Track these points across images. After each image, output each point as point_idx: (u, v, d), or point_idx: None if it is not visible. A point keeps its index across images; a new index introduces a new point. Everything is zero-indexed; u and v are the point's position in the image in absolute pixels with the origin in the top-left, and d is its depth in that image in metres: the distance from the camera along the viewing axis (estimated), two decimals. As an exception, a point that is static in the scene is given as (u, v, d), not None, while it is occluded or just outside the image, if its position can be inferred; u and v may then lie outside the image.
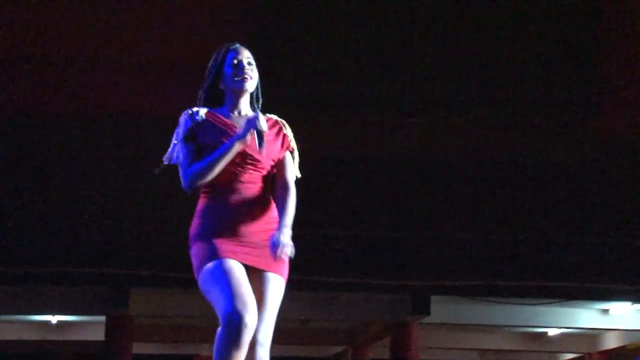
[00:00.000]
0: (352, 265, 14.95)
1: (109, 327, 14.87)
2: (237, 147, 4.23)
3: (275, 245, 4.15)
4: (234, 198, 4.27)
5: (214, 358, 4.10)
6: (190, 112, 4.35)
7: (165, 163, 4.42)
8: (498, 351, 19.09)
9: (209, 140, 4.31)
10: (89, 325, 16.40)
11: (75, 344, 17.47)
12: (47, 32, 17.58)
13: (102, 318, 15.01)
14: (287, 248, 4.15)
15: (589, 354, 17.98)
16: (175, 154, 4.38)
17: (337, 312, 15.51)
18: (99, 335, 15.41)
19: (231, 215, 4.25)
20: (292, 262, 4.44)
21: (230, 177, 4.28)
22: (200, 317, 15.01)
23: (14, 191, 16.20)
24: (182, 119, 4.36)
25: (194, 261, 4.27)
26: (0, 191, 16.07)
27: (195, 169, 4.24)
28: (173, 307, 14.95)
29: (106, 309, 14.77)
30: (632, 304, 15.37)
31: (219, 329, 4.05)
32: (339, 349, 18.97)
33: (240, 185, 4.29)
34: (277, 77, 15.56)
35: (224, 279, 4.12)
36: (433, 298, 14.89)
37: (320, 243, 14.86)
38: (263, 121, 4.26)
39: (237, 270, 4.16)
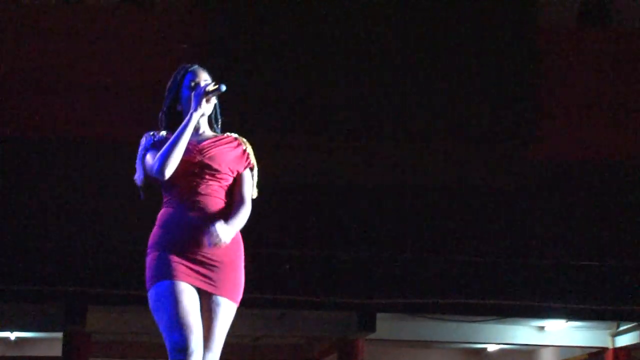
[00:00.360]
0: (301, 284, 14.97)
1: (66, 344, 14.78)
2: (196, 118, 4.17)
3: (210, 233, 4.07)
4: (193, 211, 4.16)
5: None
6: (151, 133, 4.31)
7: (139, 184, 4.33)
8: (440, 366, 19.18)
9: None
10: (46, 342, 16.31)
11: (34, 359, 17.31)
12: (20, 57, 17.47)
13: (59, 335, 14.99)
14: (217, 238, 4.07)
15: (526, 368, 18.11)
16: (141, 171, 4.29)
17: (287, 329, 15.55)
18: (56, 351, 15.33)
19: (189, 229, 4.15)
20: (244, 280, 4.38)
21: (190, 188, 4.19)
22: (154, 335, 14.88)
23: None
24: (143, 139, 4.31)
25: (147, 272, 4.18)
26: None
27: (163, 150, 4.12)
28: (128, 324, 14.92)
29: (63, 326, 14.68)
30: (566, 322, 15.55)
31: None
32: (288, 364, 18.96)
33: (199, 197, 4.19)
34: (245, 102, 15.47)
35: (172, 305, 4.04)
36: (378, 315, 14.99)
37: (270, 262, 14.84)
38: (208, 84, 4.24)
39: (186, 296, 4.07)
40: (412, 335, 15.92)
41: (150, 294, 4.14)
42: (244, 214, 4.24)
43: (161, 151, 4.13)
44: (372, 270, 15.40)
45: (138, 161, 4.28)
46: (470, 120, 17.74)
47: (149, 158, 4.20)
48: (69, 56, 17.35)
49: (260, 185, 4.50)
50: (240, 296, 4.25)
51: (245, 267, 4.43)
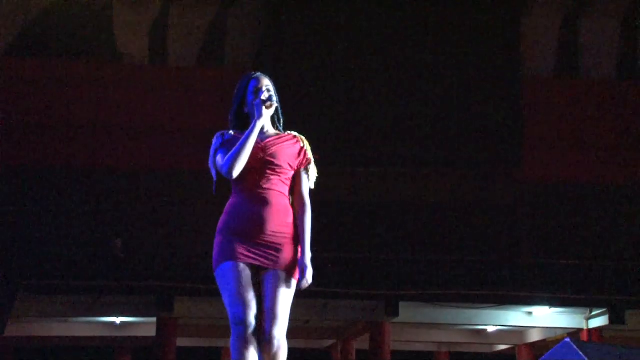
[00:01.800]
0: (340, 279, 15.09)
1: (159, 326, 15.11)
2: (259, 125, 3.81)
3: (301, 271, 3.79)
4: (255, 202, 3.82)
5: (230, 352, 3.88)
6: (220, 133, 3.93)
7: (214, 180, 3.92)
8: (450, 344, 19.10)
9: None
10: (143, 325, 16.41)
11: (133, 339, 17.46)
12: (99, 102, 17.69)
13: (154, 319, 15.25)
14: (309, 274, 3.79)
15: (518, 345, 17.99)
16: (213, 170, 3.89)
17: (329, 315, 15.66)
18: (151, 332, 15.48)
19: (250, 218, 3.81)
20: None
21: (254, 181, 3.84)
22: (227, 319, 15.01)
23: (94, 233, 16.38)
24: (214, 139, 3.92)
25: (214, 251, 3.89)
26: (83, 234, 16.24)
27: (231, 154, 3.78)
28: (208, 311, 15.05)
29: (157, 312, 15.01)
30: (550, 308, 15.59)
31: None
32: (331, 342, 18.98)
33: (261, 190, 3.82)
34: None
35: (233, 283, 3.77)
36: (401, 303, 15.07)
37: (316, 262, 14.89)
38: (264, 95, 3.87)
39: (245, 275, 3.77)
40: (428, 319, 15.96)
41: (217, 274, 3.84)
42: (309, 221, 3.88)
43: (229, 154, 3.78)
44: (396, 268, 15.52)
45: (210, 160, 3.88)
46: (470, 151, 17.78)
47: (219, 158, 3.84)
48: (154, 105, 17.66)
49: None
50: (298, 274, 3.82)
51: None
